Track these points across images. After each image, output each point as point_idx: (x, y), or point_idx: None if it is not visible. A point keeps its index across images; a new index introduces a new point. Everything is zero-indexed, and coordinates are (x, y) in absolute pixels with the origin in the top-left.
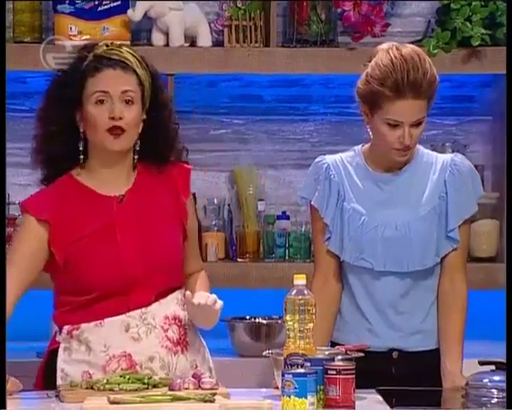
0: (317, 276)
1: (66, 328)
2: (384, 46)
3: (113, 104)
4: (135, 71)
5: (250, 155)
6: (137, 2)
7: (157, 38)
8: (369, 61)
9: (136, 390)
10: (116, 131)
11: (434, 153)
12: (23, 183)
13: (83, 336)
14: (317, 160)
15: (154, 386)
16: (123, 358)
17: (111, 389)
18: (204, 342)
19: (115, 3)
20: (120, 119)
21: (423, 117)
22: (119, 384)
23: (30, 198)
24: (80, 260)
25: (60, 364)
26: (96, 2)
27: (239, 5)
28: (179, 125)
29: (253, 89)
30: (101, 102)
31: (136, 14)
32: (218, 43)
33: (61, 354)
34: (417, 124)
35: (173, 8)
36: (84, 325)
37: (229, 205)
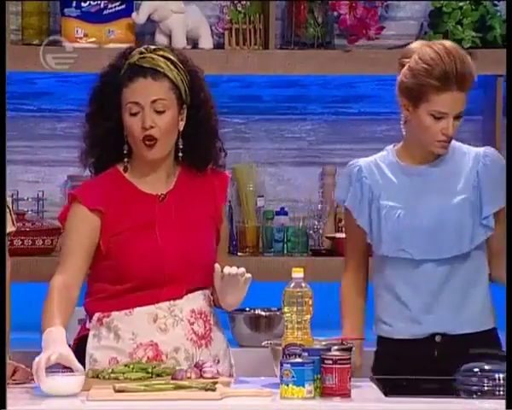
0: (349, 270)
1: (96, 315)
2: (418, 44)
3: (144, 114)
4: (167, 76)
5: (250, 153)
6: (141, 5)
7: (160, 41)
8: (405, 58)
9: (141, 379)
10: (149, 140)
11: (465, 145)
12: (31, 180)
13: (112, 324)
14: (349, 163)
15: (158, 375)
16: (149, 347)
17: (116, 378)
18: (227, 341)
19: (120, 7)
20: (152, 127)
21: (463, 110)
22: (123, 373)
23: (79, 188)
24: (120, 250)
25: (89, 349)
26: (102, 6)
27: (239, 9)
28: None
29: (252, 89)
30: (135, 113)
31: (140, 17)
32: (218, 45)
33: (91, 341)
34: (459, 116)
35: (175, 12)
36: (114, 313)
37: (229, 201)
